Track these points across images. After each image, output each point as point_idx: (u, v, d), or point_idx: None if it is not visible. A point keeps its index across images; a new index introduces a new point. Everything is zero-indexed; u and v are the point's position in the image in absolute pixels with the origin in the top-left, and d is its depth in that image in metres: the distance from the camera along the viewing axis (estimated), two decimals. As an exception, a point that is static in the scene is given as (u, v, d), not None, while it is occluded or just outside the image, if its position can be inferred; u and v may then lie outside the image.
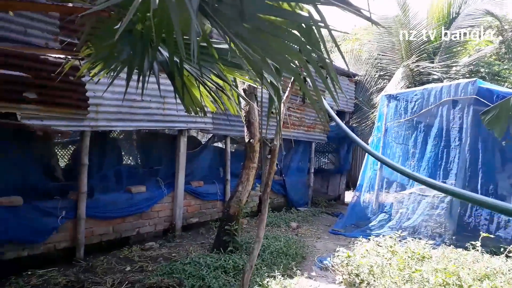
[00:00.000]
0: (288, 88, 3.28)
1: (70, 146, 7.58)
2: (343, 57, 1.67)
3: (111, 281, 4.26)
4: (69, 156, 7.22)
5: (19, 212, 4.35)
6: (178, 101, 2.93)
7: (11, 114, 4.14)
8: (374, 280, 4.46)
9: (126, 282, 4.27)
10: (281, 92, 2.11)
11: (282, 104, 2.42)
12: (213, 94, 2.90)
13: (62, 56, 3.58)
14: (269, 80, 2.04)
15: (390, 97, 8.00)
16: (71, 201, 4.91)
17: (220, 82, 2.79)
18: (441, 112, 6.95)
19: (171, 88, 2.82)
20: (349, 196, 10.91)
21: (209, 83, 2.73)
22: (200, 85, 2.78)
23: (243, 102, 5.39)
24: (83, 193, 4.95)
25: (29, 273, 4.30)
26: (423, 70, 10.06)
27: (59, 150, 7.27)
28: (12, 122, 4.08)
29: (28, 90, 4.15)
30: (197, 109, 3.12)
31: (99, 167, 5.62)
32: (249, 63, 1.79)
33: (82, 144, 4.98)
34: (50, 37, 4.36)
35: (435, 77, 9.95)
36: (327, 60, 1.61)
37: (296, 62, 1.75)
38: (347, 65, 1.68)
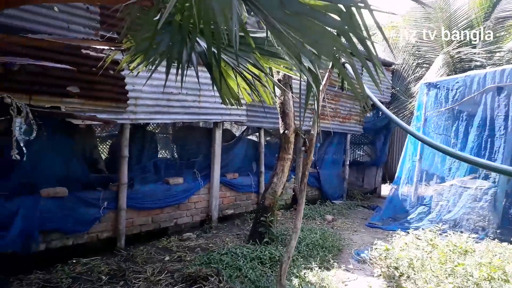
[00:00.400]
0: (326, 75, 3.22)
1: (109, 140, 7.85)
2: (386, 40, 1.61)
3: (151, 270, 4.38)
4: (108, 149, 7.46)
5: (64, 202, 4.54)
6: (213, 93, 2.96)
7: (55, 107, 4.32)
8: (414, 274, 4.35)
9: (166, 271, 4.38)
10: (320, 78, 2.07)
11: (320, 92, 2.38)
12: (249, 84, 2.90)
13: (106, 47, 3.70)
14: (307, 67, 2.01)
15: (430, 85, 7.70)
16: (112, 192, 5.08)
17: (256, 71, 2.78)
18: (485, 100, 6.62)
19: (207, 81, 2.84)
20: (385, 189, 10.67)
21: (245, 73, 2.72)
22: (237, 76, 2.78)
23: (277, 93, 5.36)
24: (124, 184, 5.10)
25: (74, 261, 4.47)
26: (464, 57, 9.58)
27: (99, 144, 7.53)
28: (62, 112, 4.25)
29: (71, 85, 4.32)
30: (234, 101, 3.13)
31: (138, 159, 5.77)
32: (288, 49, 1.76)
33: (122, 136, 5.12)
34: (91, 32, 4.53)
35: (478, 63, 9.45)
36: (369, 44, 1.56)
37: (336, 47, 1.71)
38: (391, 49, 1.62)
